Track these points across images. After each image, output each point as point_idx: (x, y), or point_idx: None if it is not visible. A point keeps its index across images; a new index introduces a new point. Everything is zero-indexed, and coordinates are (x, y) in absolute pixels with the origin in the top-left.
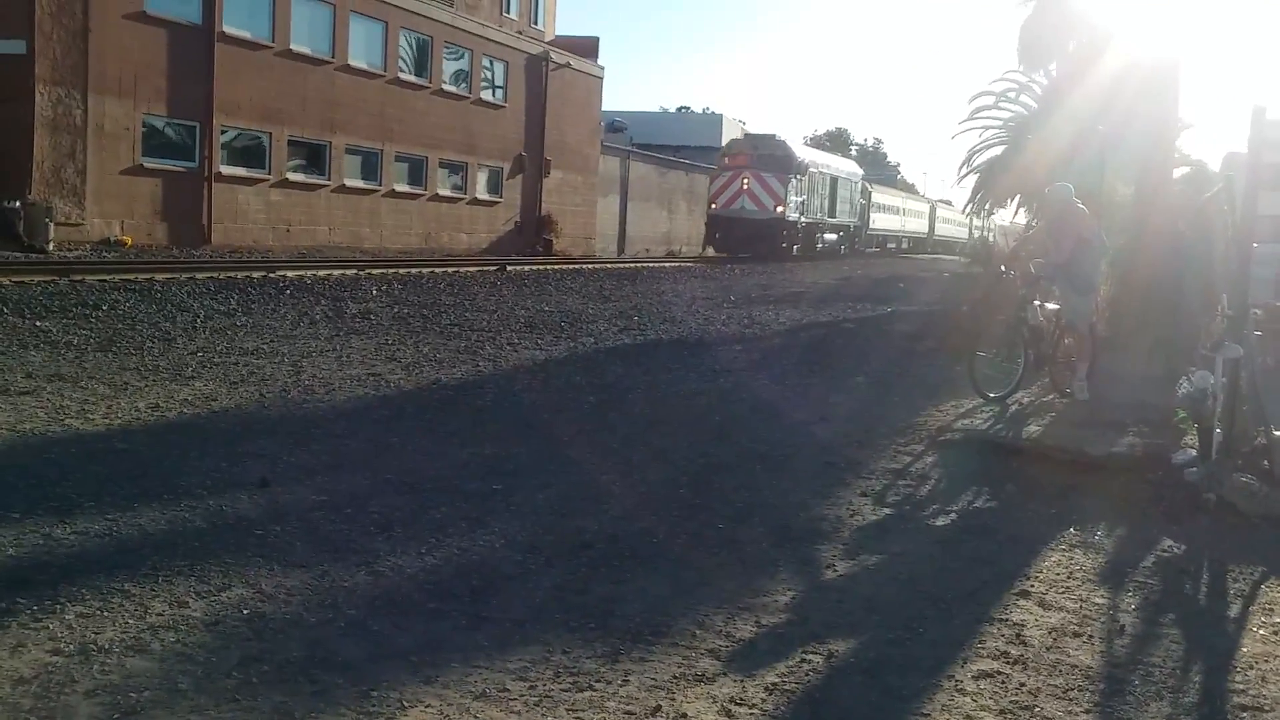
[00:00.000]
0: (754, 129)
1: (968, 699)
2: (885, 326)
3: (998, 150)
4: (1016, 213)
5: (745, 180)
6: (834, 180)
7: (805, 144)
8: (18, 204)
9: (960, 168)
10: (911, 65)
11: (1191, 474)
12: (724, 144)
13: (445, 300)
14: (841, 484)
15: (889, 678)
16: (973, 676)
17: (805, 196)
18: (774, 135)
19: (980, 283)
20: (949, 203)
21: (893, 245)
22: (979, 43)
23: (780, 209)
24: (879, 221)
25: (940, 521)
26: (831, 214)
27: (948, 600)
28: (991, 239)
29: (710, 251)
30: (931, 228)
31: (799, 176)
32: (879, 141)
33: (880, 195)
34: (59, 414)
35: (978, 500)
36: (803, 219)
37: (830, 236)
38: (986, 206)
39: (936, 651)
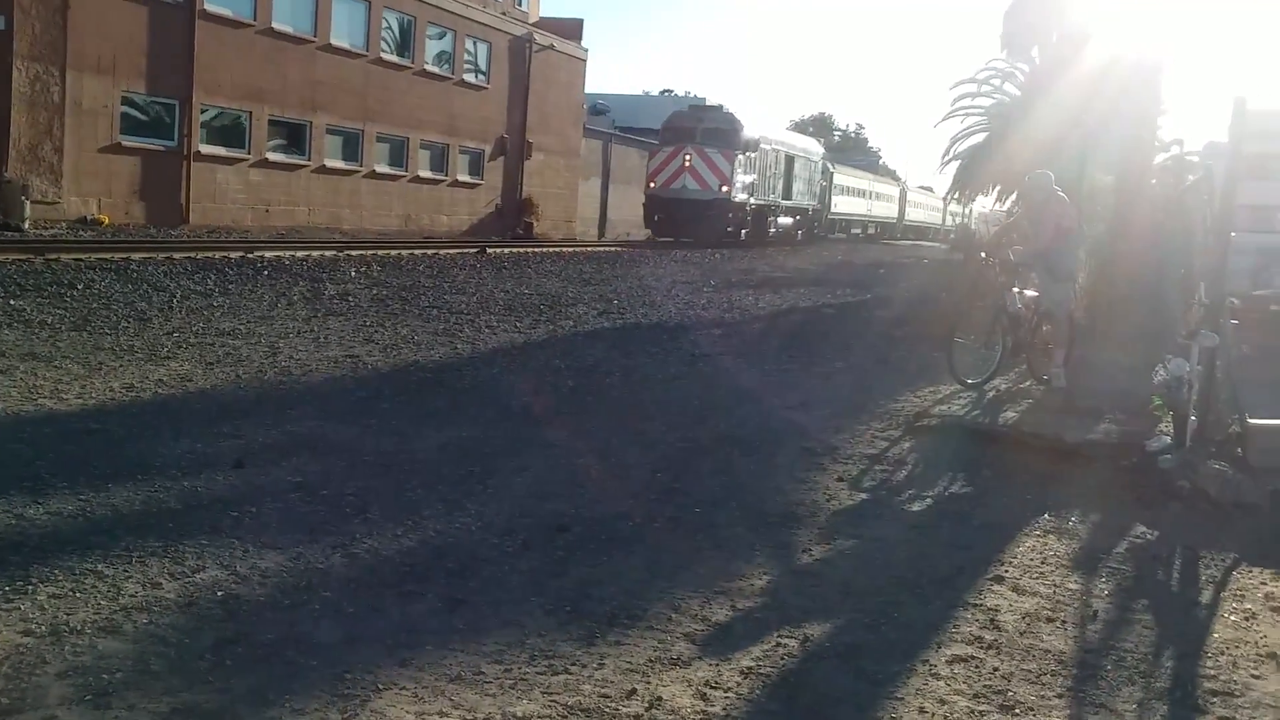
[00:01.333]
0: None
1: (941, 683)
2: (865, 313)
3: (980, 138)
4: (997, 200)
5: (687, 157)
6: (790, 159)
7: (790, 129)
8: None
9: (944, 155)
10: (895, 51)
11: (1166, 461)
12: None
13: (424, 282)
14: (819, 469)
15: (864, 661)
16: (947, 661)
17: (756, 176)
18: (721, 107)
19: (960, 270)
20: (929, 188)
21: (858, 231)
22: (963, 29)
23: (726, 189)
24: (842, 205)
25: (916, 507)
26: (787, 195)
27: (923, 585)
28: (973, 226)
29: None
30: (902, 212)
31: (748, 153)
32: (860, 127)
33: (844, 177)
34: (32, 393)
35: (954, 486)
36: (752, 200)
37: (785, 220)
38: (968, 193)
39: (911, 636)
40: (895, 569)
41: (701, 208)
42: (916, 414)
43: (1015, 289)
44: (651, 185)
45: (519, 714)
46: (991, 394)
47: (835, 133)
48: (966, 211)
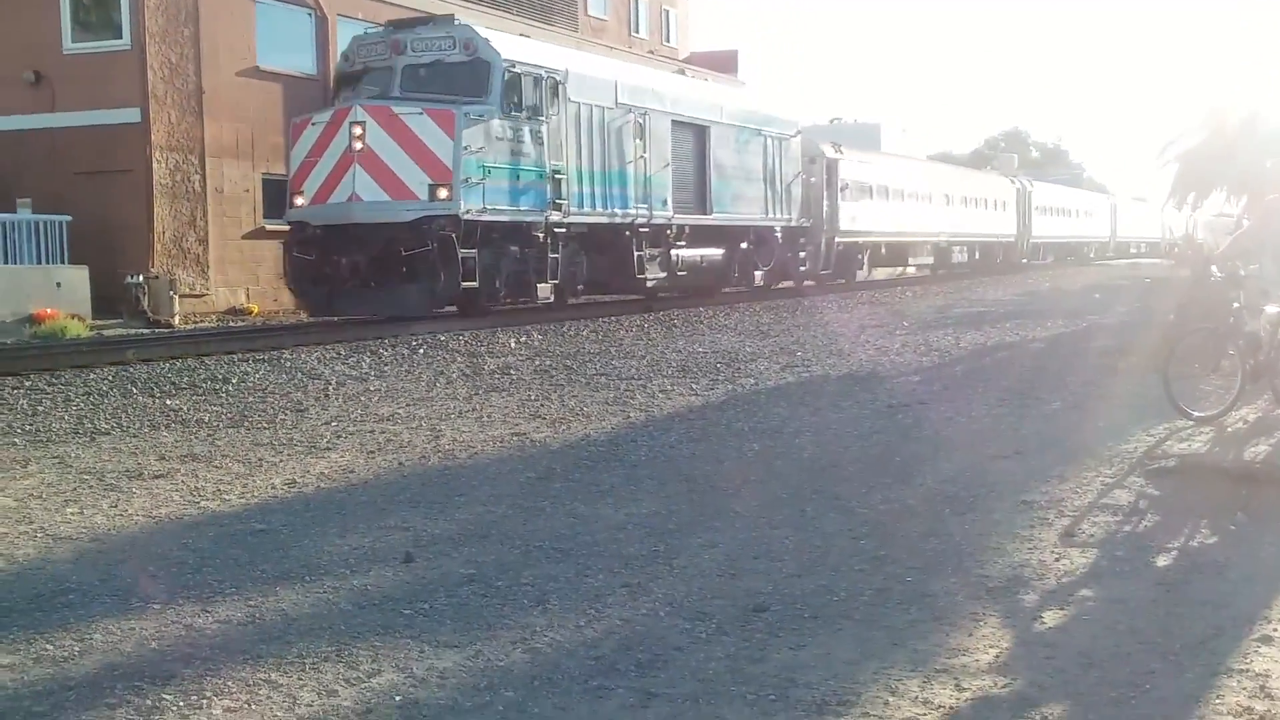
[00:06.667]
0: (928, 146)
1: None
2: (1081, 343)
3: (1200, 137)
4: (1229, 203)
5: (357, 130)
6: (698, 131)
7: (981, 147)
8: (141, 278)
9: (1159, 157)
10: (1093, 56)
11: None
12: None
13: (589, 348)
14: (1043, 524)
15: None
16: None
17: (568, 163)
18: (452, 18)
19: (1187, 288)
20: (1141, 199)
21: (923, 261)
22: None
23: (445, 194)
24: (869, 217)
25: (1161, 561)
26: (699, 204)
27: (1177, 651)
28: (1199, 237)
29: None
30: (1024, 223)
31: (527, 115)
32: (1059, 139)
33: (860, 169)
34: (194, 496)
35: (1201, 535)
36: (553, 214)
37: (696, 253)
38: (1189, 199)
39: (1167, 710)
40: (1142, 634)
41: (389, 242)
42: (1150, 455)
43: (1250, 306)
44: (297, 200)
45: None
46: (1237, 426)
47: (1032, 147)
48: (1190, 221)
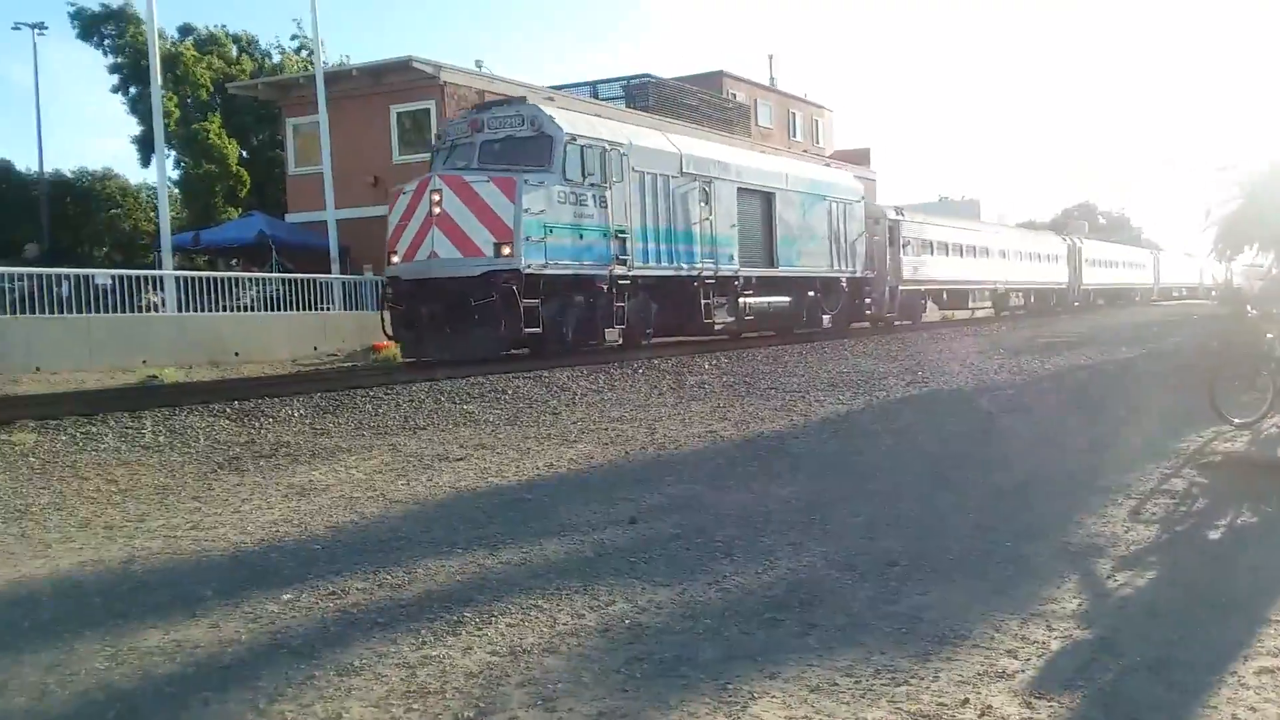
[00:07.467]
0: (1018, 215)
1: (1250, 692)
2: (1144, 366)
3: (1234, 205)
4: (1259, 256)
5: (436, 197)
6: (765, 197)
7: (1057, 218)
8: None
9: (1204, 219)
10: (1154, 137)
11: None
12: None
13: (762, 369)
14: (1113, 504)
15: (1173, 674)
16: (1254, 672)
17: (630, 221)
18: (523, 99)
19: (1227, 323)
20: (1190, 254)
21: (982, 305)
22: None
23: (507, 250)
24: (929, 269)
25: (1211, 535)
26: (766, 259)
27: (1224, 604)
28: (1236, 283)
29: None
30: (1075, 273)
31: (589, 182)
32: (1123, 209)
33: (920, 228)
34: (484, 474)
35: (1244, 515)
36: (616, 267)
37: (764, 300)
38: (1227, 254)
39: (1217, 650)
40: (1196, 591)
41: (463, 293)
42: (1199, 452)
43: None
44: (392, 258)
45: (870, 719)
46: (1272, 431)
47: (1100, 216)
48: (1228, 270)
